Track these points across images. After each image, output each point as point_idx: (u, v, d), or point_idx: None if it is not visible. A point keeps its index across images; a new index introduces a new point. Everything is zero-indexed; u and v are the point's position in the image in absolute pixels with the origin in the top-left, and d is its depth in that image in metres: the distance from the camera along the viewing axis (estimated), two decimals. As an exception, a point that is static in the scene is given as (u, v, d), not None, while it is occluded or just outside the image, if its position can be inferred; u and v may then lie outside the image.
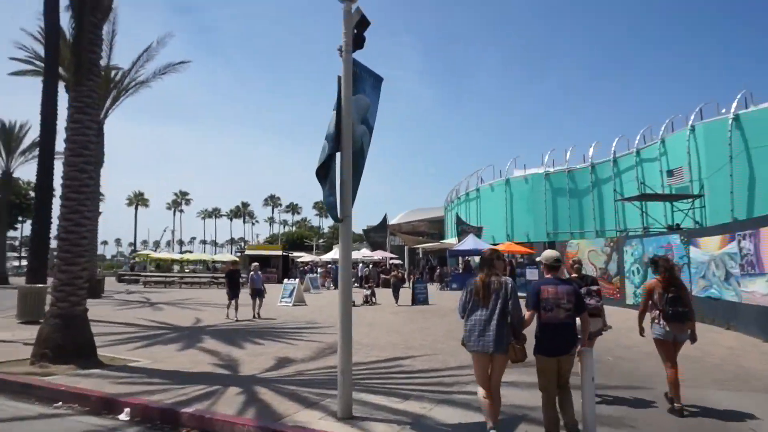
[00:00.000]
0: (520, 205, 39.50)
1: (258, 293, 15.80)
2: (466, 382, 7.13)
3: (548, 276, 5.02)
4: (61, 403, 6.30)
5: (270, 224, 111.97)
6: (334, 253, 47.01)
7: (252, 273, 16.04)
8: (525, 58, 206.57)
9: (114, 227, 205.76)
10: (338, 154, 5.67)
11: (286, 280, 22.40)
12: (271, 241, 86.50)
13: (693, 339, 5.99)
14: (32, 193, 56.52)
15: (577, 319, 4.91)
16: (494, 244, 28.44)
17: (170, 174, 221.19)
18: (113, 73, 25.19)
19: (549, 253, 5.12)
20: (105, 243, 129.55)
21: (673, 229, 22.08)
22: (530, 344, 4.87)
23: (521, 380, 6.65)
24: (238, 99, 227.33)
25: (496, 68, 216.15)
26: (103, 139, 24.69)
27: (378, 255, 37.14)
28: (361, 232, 50.48)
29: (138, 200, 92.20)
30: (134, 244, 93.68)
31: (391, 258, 40.97)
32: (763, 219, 10.85)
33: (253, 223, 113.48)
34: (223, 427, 5.29)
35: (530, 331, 4.82)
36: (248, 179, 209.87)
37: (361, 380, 7.27)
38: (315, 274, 32.29)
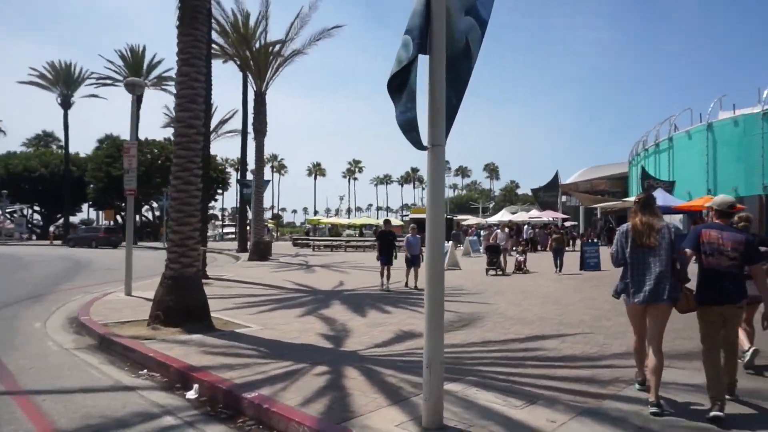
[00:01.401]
0: (726, 153, 33.08)
1: (413, 260, 13.12)
2: (628, 379, 5.08)
3: (717, 221, 4.62)
4: (146, 371, 5.83)
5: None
6: (502, 215, 44.72)
7: (408, 236, 13.62)
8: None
9: (299, 196, 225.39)
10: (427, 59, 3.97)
11: (439, 243, 21.21)
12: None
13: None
14: (229, 168, 64.08)
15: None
16: (690, 200, 23.80)
17: (344, 143, 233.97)
18: (270, 47, 25.97)
19: (723, 198, 4.75)
20: (294, 211, 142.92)
21: None
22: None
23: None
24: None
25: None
26: (265, 109, 25.78)
27: (547, 215, 33.94)
28: (530, 192, 47.11)
29: (316, 170, 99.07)
30: (314, 211, 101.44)
31: (564, 219, 37.37)
32: None
33: (423, 188, 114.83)
34: (278, 422, 4.16)
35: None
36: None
37: (482, 367, 5.65)
38: (475, 237, 30.57)
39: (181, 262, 7.93)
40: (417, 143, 3.85)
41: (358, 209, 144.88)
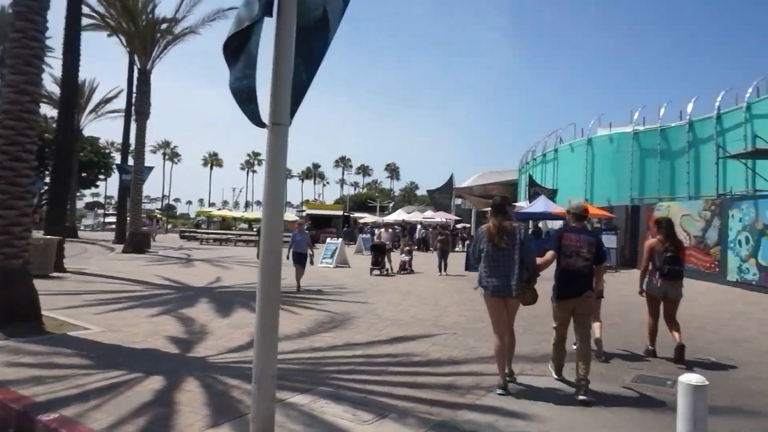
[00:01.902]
0: (602, 166, 35.76)
1: (298, 258, 11.83)
2: (488, 386, 4.88)
3: (573, 225, 5.19)
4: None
5: (341, 186, 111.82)
6: (398, 215, 45.18)
7: (294, 232, 12.28)
8: (612, 19, 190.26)
9: (197, 187, 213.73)
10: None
11: (329, 240, 20.69)
12: (342, 202, 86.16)
13: (681, 294, 6.37)
14: (115, 153, 58.87)
15: None
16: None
17: (243, 135, 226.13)
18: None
19: (578, 203, 5.36)
20: (189, 203, 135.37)
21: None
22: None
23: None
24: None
25: (581, 28, 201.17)
26: (149, 89, 23.77)
27: (440, 217, 34.65)
28: (425, 192, 48.05)
29: (212, 160, 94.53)
30: (209, 202, 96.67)
31: (457, 221, 38.45)
32: None
33: (324, 185, 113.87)
34: (74, 451, 3.41)
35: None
36: (319, 140, 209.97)
37: (340, 375, 5.20)
38: (368, 235, 30.43)
39: (4, 253, 6.71)
40: (254, 117, 3.29)
41: (258, 203, 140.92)
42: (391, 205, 77.26)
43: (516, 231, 4.89)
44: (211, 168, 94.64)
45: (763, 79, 26.95)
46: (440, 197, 38.05)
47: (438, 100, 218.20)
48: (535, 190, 32.97)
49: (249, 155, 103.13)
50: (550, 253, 5.09)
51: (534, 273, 4.96)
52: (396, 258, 17.47)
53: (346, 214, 44.42)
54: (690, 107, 31.43)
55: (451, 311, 9.61)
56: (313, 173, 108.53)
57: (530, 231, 29.12)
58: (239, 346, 6.37)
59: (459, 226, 38.72)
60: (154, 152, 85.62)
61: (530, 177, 37.26)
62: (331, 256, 18.91)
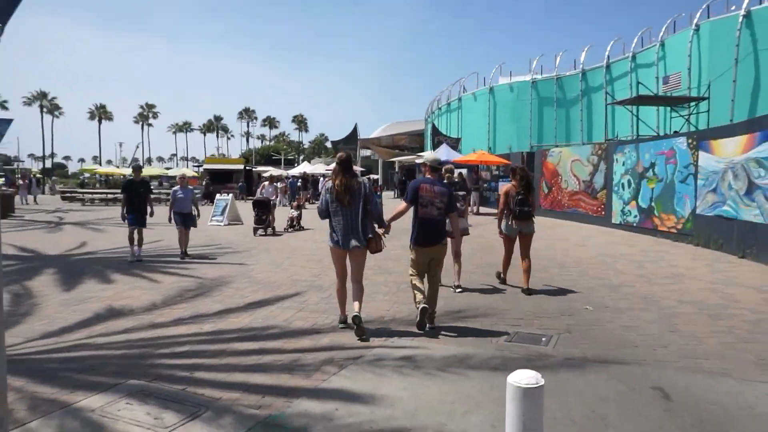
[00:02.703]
0: (503, 114, 36.46)
1: (182, 219, 10.15)
2: (344, 359, 4.24)
3: (429, 176, 5.56)
4: None
5: (246, 139, 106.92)
6: (303, 167, 43.72)
7: (176, 188, 10.61)
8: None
9: (86, 145, 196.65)
10: None
11: (218, 196, 19.25)
12: (247, 156, 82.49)
13: (533, 229, 7.23)
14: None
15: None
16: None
17: (135, 86, 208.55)
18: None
19: (432, 155, 6.27)
20: (82, 161, 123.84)
21: (678, 132, 18.88)
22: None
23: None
24: (206, 5, 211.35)
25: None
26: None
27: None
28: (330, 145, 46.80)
29: (100, 113, 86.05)
30: (100, 160, 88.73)
31: (363, 172, 37.74)
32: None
33: (228, 138, 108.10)
34: None
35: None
36: (221, 92, 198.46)
37: (168, 360, 4.34)
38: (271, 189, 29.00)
39: None
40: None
41: (160, 159, 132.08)
42: (301, 158, 75.04)
43: (361, 187, 5.11)
44: (100, 122, 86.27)
45: (646, 30, 28.21)
46: (345, 148, 36.84)
47: (344, 51, 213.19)
48: (439, 139, 32.96)
49: (142, 107, 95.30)
50: (403, 205, 5.48)
51: (388, 222, 5.39)
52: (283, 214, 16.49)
53: (248, 167, 42.30)
54: (583, 56, 32.37)
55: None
56: (215, 126, 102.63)
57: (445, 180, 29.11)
58: (65, 327, 5.30)
59: (367, 177, 38.12)
60: (28, 104, 76.20)
61: (434, 126, 37.25)
62: (222, 213, 17.60)
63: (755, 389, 3.69)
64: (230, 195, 18.72)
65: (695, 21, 23.66)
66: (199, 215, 10.89)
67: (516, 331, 5.18)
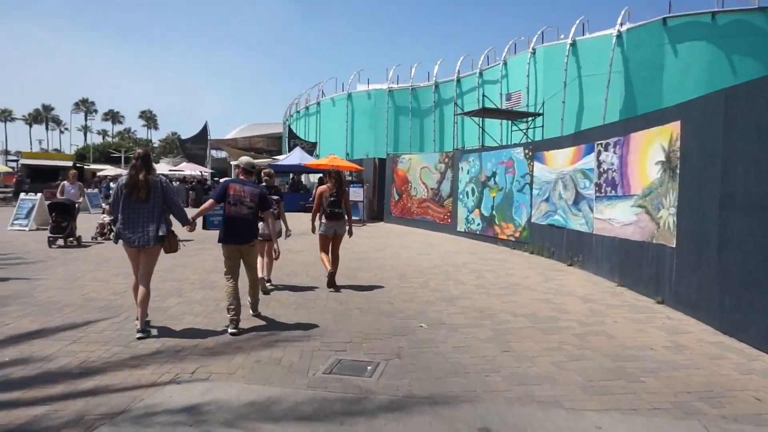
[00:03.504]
0: (361, 121, 36.62)
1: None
2: (92, 420, 3.13)
3: (242, 177, 5.65)
4: None
5: (85, 133, 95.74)
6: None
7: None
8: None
9: None
10: None
11: (22, 195, 16.29)
12: (84, 152, 73.57)
13: (349, 233, 7.52)
14: None
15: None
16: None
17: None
18: None
19: (245, 159, 5.87)
20: None
21: (519, 143, 20.02)
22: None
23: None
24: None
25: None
26: None
27: (191, 168, 31.17)
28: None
29: None
30: None
31: (212, 173, 35.28)
32: (634, 122, 8.09)
33: (61, 131, 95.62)
34: None
35: None
36: (52, 79, 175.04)
37: None
38: (99, 190, 25.71)
39: None
40: None
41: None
42: (129, 154, 68.24)
43: (158, 184, 5.05)
44: None
45: (491, 49, 30.30)
46: (194, 147, 34.38)
47: (200, 47, 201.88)
48: (294, 143, 32.01)
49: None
50: (209, 201, 5.62)
51: (193, 219, 5.35)
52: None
53: (79, 165, 37.40)
54: (436, 69, 33.64)
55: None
56: (44, 117, 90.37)
57: (288, 185, 28.08)
58: None
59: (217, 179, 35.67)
60: None
61: (290, 129, 36.26)
62: (27, 216, 14.85)
63: (584, 420, 3.32)
64: (39, 195, 15.88)
65: (532, 45, 25.83)
66: None
67: (338, 359, 4.44)
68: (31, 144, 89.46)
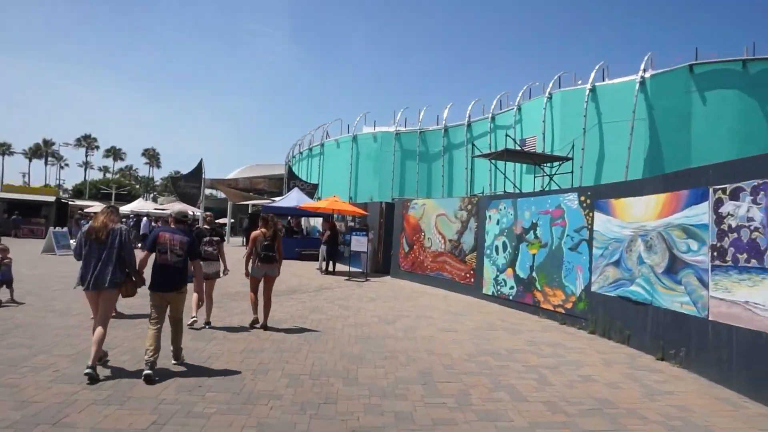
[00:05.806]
0: (366, 164, 34.53)
1: None
2: None
3: (172, 226, 5.75)
4: None
5: (85, 169, 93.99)
6: (137, 204, 37.33)
7: None
8: (391, 33, 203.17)
9: None
10: None
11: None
12: (81, 188, 71.53)
13: (278, 273, 7.89)
14: None
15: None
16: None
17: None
18: None
19: (177, 207, 6.41)
20: None
21: (574, 188, 17.35)
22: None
23: None
24: (37, 15, 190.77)
25: (360, 30, 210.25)
26: None
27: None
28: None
29: None
30: None
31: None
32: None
33: (61, 166, 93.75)
34: None
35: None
36: (53, 114, 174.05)
37: None
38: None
39: None
40: None
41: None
42: (152, 195, 66.42)
43: (118, 230, 5.33)
44: None
45: (504, 94, 28.62)
46: (186, 186, 31.81)
47: (210, 90, 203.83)
48: (294, 184, 29.70)
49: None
50: (144, 253, 5.56)
51: (138, 270, 5.44)
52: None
53: (63, 200, 34.94)
54: (446, 113, 31.75)
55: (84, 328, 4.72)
56: (44, 151, 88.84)
57: (284, 229, 25.35)
58: None
59: (218, 221, 33.01)
60: None
61: (290, 169, 34.01)
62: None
63: None
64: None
65: (548, 90, 24.38)
66: None
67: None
68: (30, 178, 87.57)
